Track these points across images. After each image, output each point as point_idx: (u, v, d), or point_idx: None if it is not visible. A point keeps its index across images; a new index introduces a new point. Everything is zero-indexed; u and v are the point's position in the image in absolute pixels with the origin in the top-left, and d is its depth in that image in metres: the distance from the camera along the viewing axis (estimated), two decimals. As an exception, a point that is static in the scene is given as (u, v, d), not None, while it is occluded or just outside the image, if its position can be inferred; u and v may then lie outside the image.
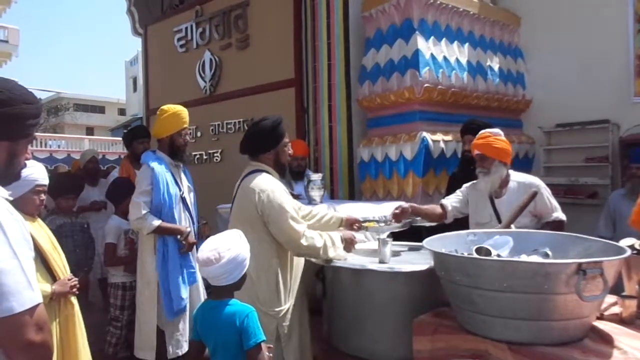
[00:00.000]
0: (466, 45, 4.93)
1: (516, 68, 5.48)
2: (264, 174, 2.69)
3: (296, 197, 3.48)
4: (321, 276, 2.81)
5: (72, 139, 24.45)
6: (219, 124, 5.97)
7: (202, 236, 3.46)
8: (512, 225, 2.74)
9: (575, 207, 4.97)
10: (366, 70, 4.79)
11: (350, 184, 4.78)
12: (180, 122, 3.49)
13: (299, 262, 2.78)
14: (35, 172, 2.48)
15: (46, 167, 2.76)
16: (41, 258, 2.41)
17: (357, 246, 2.89)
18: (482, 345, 1.96)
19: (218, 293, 2.07)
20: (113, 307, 3.69)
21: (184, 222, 3.44)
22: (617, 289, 2.08)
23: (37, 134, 1.52)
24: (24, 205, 2.43)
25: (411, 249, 3.08)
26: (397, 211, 3.04)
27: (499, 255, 2.21)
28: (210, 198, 4.27)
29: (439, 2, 4.64)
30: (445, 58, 4.61)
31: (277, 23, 5.30)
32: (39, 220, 2.52)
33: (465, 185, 3.28)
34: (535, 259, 2.13)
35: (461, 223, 3.21)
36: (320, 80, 4.83)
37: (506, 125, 5.31)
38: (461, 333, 2.06)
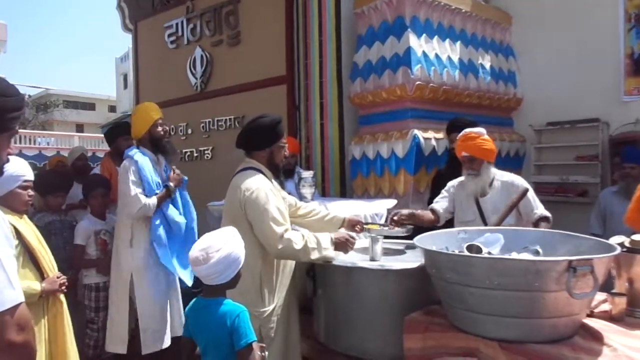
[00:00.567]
0: (458, 43, 4.93)
1: (507, 66, 5.50)
2: (254, 172, 2.65)
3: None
4: (312, 274, 2.79)
5: (61, 136, 24.17)
6: (210, 121, 5.93)
7: (170, 179, 3.51)
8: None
9: (566, 205, 5.02)
10: (358, 68, 4.77)
11: (342, 181, 4.77)
12: (151, 115, 3.54)
13: (286, 263, 2.73)
14: (21, 168, 2.45)
15: (35, 165, 2.73)
16: (30, 255, 2.38)
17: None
18: (473, 343, 1.96)
19: (209, 292, 2.04)
20: (88, 310, 3.61)
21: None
22: (606, 286, 2.09)
23: (25, 131, 1.48)
24: (12, 201, 2.41)
25: (408, 247, 3.07)
26: (395, 218, 3.03)
27: (489, 253, 2.21)
28: (201, 195, 4.25)
29: (430, -1, 4.64)
30: (437, 56, 4.61)
31: (269, 19, 5.26)
32: (26, 217, 2.49)
33: (450, 184, 3.29)
34: (526, 256, 2.14)
35: (451, 222, 3.24)
36: (311, 77, 4.81)
37: (497, 124, 5.35)
38: (452, 331, 2.06)
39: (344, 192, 4.75)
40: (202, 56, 6.02)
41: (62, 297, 2.49)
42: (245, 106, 5.37)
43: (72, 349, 2.47)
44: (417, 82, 4.33)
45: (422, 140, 4.31)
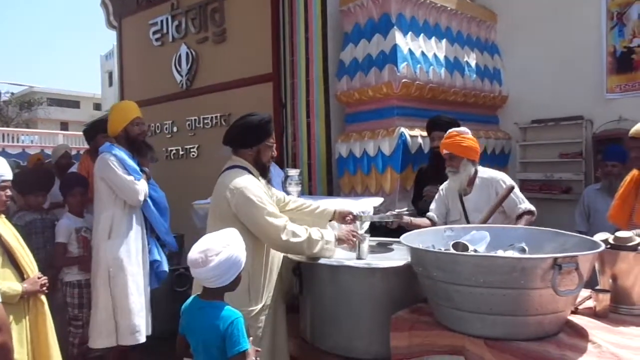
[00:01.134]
0: (444, 41, 4.94)
1: (493, 64, 5.53)
2: (240, 171, 2.63)
3: None
4: (298, 272, 2.77)
5: (45, 134, 23.87)
6: (195, 119, 5.88)
7: (143, 169, 3.52)
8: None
9: (550, 202, 5.07)
10: (344, 65, 4.76)
11: (329, 179, 4.75)
12: (128, 113, 3.52)
13: (274, 262, 2.72)
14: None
15: (18, 163, 2.68)
16: (9, 256, 2.35)
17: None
18: (459, 341, 1.96)
19: (207, 294, 2.01)
20: (71, 307, 3.56)
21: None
22: (591, 282, 2.10)
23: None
24: (-11, 201, 2.36)
25: (393, 245, 3.07)
26: (394, 227, 3.04)
27: (475, 251, 2.21)
28: (186, 194, 4.21)
29: (416, -3, 4.64)
30: (423, 53, 4.62)
31: (255, 17, 5.23)
32: (3, 217, 2.45)
33: (441, 188, 3.33)
34: (512, 254, 2.15)
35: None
36: (298, 75, 4.78)
37: (483, 121, 5.37)
38: (438, 329, 2.06)
39: (331, 190, 4.74)
40: (187, 53, 5.97)
41: (43, 297, 2.47)
42: (231, 104, 5.34)
43: (55, 348, 2.45)
44: (403, 80, 4.33)
45: (408, 138, 4.31)
